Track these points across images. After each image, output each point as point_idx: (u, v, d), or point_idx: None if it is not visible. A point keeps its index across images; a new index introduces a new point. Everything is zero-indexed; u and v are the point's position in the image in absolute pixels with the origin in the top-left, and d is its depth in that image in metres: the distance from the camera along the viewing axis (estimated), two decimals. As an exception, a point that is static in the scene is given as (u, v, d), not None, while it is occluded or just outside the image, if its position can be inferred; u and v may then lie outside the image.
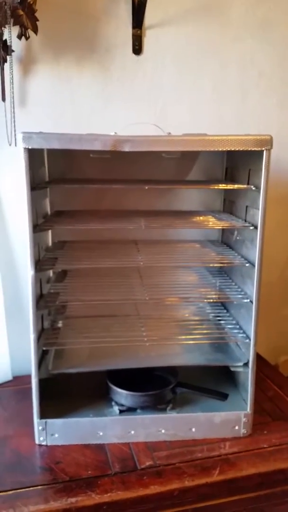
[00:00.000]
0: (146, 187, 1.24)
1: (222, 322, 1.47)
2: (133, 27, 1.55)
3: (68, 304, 1.46)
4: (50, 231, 1.56)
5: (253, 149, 1.12)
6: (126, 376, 1.32)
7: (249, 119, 1.68)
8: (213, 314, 1.54)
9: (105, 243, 1.54)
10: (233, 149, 1.11)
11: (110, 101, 1.58)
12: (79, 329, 1.41)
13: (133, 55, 1.57)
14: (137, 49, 1.57)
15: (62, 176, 1.53)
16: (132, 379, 1.34)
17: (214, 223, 1.36)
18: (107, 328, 1.42)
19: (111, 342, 1.28)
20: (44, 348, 1.25)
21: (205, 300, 1.50)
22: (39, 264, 1.23)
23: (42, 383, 1.25)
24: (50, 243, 1.57)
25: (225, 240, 1.60)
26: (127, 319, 1.49)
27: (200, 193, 1.62)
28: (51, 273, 1.53)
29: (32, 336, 1.19)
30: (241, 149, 1.12)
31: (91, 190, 1.56)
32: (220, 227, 1.51)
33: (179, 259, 1.38)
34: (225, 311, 1.54)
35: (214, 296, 1.41)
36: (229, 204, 1.55)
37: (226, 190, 1.59)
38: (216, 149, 1.10)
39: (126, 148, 1.09)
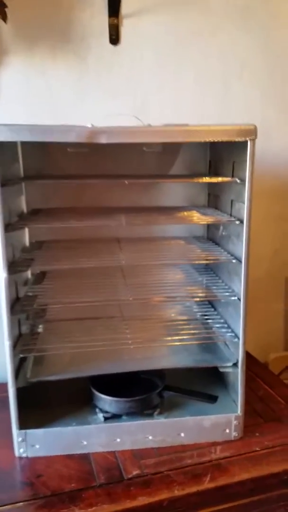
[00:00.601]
0: (127, 182, 1.18)
1: (209, 321, 1.42)
2: (109, 16, 1.48)
3: (48, 307, 1.38)
4: (27, 231, 1.48)
5: (236, 139, 1.06)
6: (111, 380, 1.26)
7: (233, 111, 1.63)
8: (200, 313, 1.48)
9: (86, 242, 1.47)
10: (216, 140, 1.06)
11: (86, 93, 1.51)
12: (60, 334, 1.34)
13: (110, 45, 1.50)
14: (114, 39, 1.50)
15: (38, 173, 1.45)
16: (116, 383, 1.27)
17: (198, 218, 1.30)
18: (90, 331, 1.35)
19: (93, 346, 1.21)
20: (21, 356, 1.17)
21: (191, 299, 1.44)
22: (13, 266, 1.16)
23: (20, 391, 1.17)
24: (27, 243, 1.49)
25: (211, 236, 1.55)
26: (111, 321, 1.43)
27: (184, 188, 1.57)
28: (29, 274, 1.46)
29: (7, 343, 1.11)
30: (224, 139, 1.06)
31: (70, 187, 1.49)
32: (204, 223, 1.45)
33: (163, 257, 1.32)
34: (212, 309, 1.48)
35: (200, 294, 1.35)
36: (214, 199, 1.49)
37: (210, 184, 1.54)
38: (198, 140, 1.05)
39: (103, 140, 1.03)
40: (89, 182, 1.44)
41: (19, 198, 1.42)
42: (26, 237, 1.49)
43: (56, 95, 1.49)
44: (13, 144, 1.37)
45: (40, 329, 1.40)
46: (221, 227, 1.38)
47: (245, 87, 1.62)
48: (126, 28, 1.50)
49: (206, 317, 1.45)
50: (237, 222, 1.20)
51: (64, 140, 1.02)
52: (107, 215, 1.33)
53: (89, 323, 1.42)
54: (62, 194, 1.49)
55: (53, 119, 1.47)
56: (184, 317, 1.48)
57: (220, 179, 1.30)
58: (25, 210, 1.47)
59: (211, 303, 1.51)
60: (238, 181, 1.16)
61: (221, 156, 1.39)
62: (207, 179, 1.38)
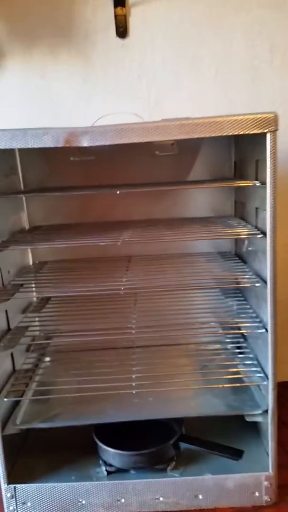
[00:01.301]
0: (118, 191, 0.98)
1: (239, 355, 1.18)
2: (115, 5, 1.31)
3: (51, 335, 1.22)
4: (29, 251, 1.33)
5: (252, 132, 0.84)
6: (118, 426, 1.06)
7: (263, 103, 1.39)
8: (228, 344, 1.24)
9: (93, 262, 1.30)
10: (224, 134, 0.84)
11: (93, 95, 1.34)
12: (59, 370, 1.17)
13: (118, 38, 1.33)
14: (122, 31, 1.32)
15: (40, 185, 1.30)
16: (125, 428, 1.07)
17: (211, 233, 1.08)
18: (95, 365, 1.16)
19: (99, 389, 1.02)
20: (4, 399, 1.01)
21: (208, 333, 1.22)
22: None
23: (10, 438, 1.01)
24: (30, 263, 1.34)
25: (239, 251, 1.31)
26: (121, 353, 1.23)
27: (206, 196, 1.35)
28: (34, 298, 1.31)
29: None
30: (235, 133, 0.84)
31: (74, 200, 1.32)
32: (213, 238, 1.21)
33: (176, 279, 1.11)
34: (242, 339, 1.24)
35: (219, 327, 1.13)
36: (240, 207, 1.26)
37: (237, 191, 1.30)
38: (199, 136, 0.84)
39: (85, 143, 0.85)
40: (95, 192, 1.26)
41: (18, 214, 1.28)
42: (29, 257, 1.35)
43: (58, 99, 1.34)
44: (10, 154, 1.24)
45: (40, 362, 1.23)
46: (246, 242, 1.15)
47: (277, 73, 1.37)
48: (134, 18, 1.32)
49: (235, 349, 1.21)
50: (260, 236, 0.96)
51: (39, 145, 0.85)
52: (114, 230, 1.14)
53: (97, 355, 1.23)
54: (66, 209, 1.33)
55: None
56: (208, 350, 1.25)
57: (237, 183, 1.07)
58: (26, 226, 1.33)
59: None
60: (258, 183, 0.94)
61: (245, 155, 1.17)
62: (216, 185, 1.16)
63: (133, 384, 1.02)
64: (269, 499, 1.01)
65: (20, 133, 0.85)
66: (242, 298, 1.22)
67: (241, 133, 0.84)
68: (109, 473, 1.06)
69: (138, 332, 1.09)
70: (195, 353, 1.21)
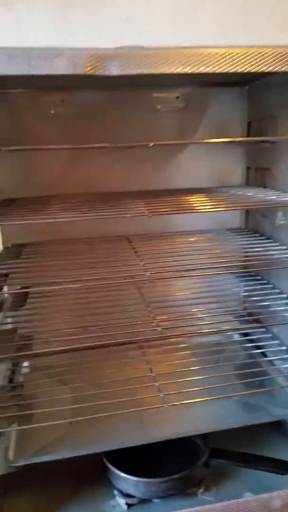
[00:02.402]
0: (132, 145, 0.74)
1: (260, 349, 1.01)
2: None
3: (35, 341, 0.96)
4: (-1, 231, 1.04)
5: (268, 69, 0.64)
6: (133, 447, 0.84)
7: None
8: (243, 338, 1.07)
9: (84, 243, 1.04)
10: (226, 70, 0.63)
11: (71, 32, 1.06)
12: (51, 382, 0.91)
13: None
14: None
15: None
16: (141, 451, 0.86)
17: (241, 203, 0.88)
18: (97, 374, 0.93)
19: (102, 409, 0.78)
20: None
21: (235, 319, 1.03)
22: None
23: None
24: (1, 247, 1.06)
25: (253, 226, 1.13)
26: (127, 356, 1.00)
27: (212, 162, 1.14)
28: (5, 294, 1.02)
29: None
30: (242, 70, 0.63)
31: (56, 165, 1.05)
32: (262, 206, 1.00)
33: (192, 262, 0.89)
34: (263, 330, 1.07)
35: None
36: (260, 175, 1.07)
37: (251, 156, 1.12)
38: (187, 71, 0.62)
39: (114, 70, 0.60)
40: (81, 149, 0.99)
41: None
42: (-2, 239, 1.06)
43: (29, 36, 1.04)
44: None
45: (22, 375, 0.97)
46: (279, 214, 0.96)
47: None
48: None
49: (255, 343, 1.04)
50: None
51: (49, 71, 0.58)
52: (114, 202, 0.90)
53: (95, 361, 0.99)
54: (46, 175, 1.06)
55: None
56: (223, 348, 1.07)
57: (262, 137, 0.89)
58: (-6, 200, 1.03)
59: (259, 321, 1.09)
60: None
61: (263, 110, 0.98)
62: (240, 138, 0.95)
63: (161, 396, 0.81)
64: None
65: (22, 53, 0.57)
66: (265, 281, 1.05)
67: (250, 70, 0.64)
68: (129, 506, 0.84)
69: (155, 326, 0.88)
70: (218, 349, 1.01)
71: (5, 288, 0.89)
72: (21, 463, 0.76)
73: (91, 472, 0.89)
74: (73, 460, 0.81)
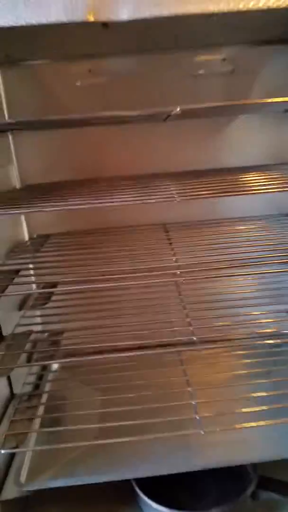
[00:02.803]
0: (177, 110, 0.59)
1: None
2: None
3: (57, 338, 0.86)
4: (24, 221, 0.95)
5: None
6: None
7: None
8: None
9: (115, 233, 0.92)
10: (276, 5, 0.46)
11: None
12: (76, 386, 0.81)
13: None
14: None
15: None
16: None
17: None
18: (127, 385, 0.81)
19: (132, 431, 0.67)
20: (1, 451, 0.65)
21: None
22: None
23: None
24: (26, 239, 0.97)
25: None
26: (162, 366, 0.87)
27: (267, 134, 0.96)
28: (33, 286, 0.93)
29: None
30: None
31: (83, 144, 0.93)
32: None
33: (238, 256, 0.74)
34: None
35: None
36: None
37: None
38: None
39: (123, 14, 0.46)
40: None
41: (3, 167, 0.89)
42: (23, 229, 0.97)
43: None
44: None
45: (46, 373, 0.88)
46: None
47: None
48: None
49: None
50: None
51: (41, 19, 0.46)
52: (142, 186, 0.76)
53: (123, 368, 0.87)
54: (74, 157, 0.94)
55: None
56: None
57: None
58: (17, 185, 0.94)
59: None
60: None
61: None
62: None
63: (197, 418, 0.67)
64: None
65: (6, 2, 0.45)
66: None
67: None
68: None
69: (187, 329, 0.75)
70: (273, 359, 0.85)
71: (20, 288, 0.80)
72: (32, 488, 0.67)
73: (121, 494, 0.79)
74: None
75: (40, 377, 0.90)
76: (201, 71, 0.89)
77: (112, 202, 0.65)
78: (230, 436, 0.74)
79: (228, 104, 0.71)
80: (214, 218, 0.98)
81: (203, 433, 0.66)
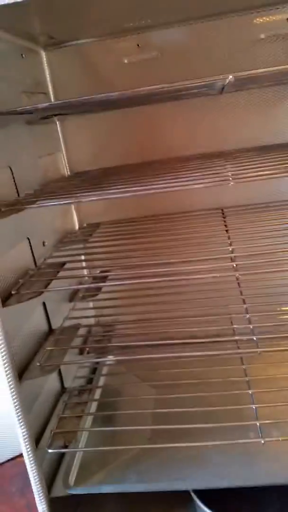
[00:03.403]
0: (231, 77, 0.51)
1: None
2: None
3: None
4: (73, 210, 0.92)
5: None
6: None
7: None
8: None
9: (166, 220, 0.86)
10: None
11: None
12: (131, 381, 0.78)
13: None
14: None
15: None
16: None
17: None
18: (183, 385, 0.76)
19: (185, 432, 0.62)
20: (49, 450, 0.63)
21: None
22: (20, 289, 0.60)
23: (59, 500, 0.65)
24: (76, 228, 0.94)
25: None
26: (222, 364, 0.80)
27: None
28: (84, 271, 0.90)
29: (21, 433, 0.58)
30: None
31: (134, 128, 0.88)
32: None
33: None
34: None
35: None
36: None
37: None
38: None
39: None
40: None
41: (52, 155, 0.86)
42: (73, 219, 0.94)
43: None
44: (33, 58, 0.80)
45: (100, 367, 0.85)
46: None
47: None
48: None
49: None
50: None
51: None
52: (198, 167, 0.69)
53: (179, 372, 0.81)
54: (122, 142, 0.89)
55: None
56: None
57: None
58: (66, 172, 0.91)
59: None
60: None
61: None
62: None
63: (257, 425, 0.61)
64: None
65: None
66: None
67: None
68: None
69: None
70: None
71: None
72: (80, 492, 0.64)
73: (177, 497, 0.74)
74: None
75: (93, 371, 0.87)
76: (262, 36, 0.79)
77: (152, 189, 0.58)
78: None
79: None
80: (279, 199, 0.89)
81: (263, 442, 0.59)
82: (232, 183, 0.51)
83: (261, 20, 0.79)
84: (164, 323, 0.80)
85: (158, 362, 0.81)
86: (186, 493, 0.69)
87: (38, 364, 0.62)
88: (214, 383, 0.72)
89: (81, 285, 0.85)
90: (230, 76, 0.50)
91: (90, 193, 0.62)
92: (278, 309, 0.73)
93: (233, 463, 0.67)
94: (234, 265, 0.58)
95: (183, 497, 0.71)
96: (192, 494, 0.68)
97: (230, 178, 0.52)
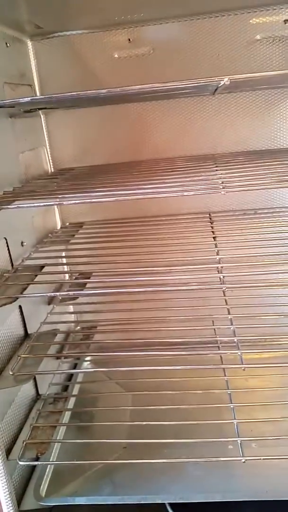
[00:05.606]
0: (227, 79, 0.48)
1: None
2: None
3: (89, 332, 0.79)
4: (56, 210, 0.89)
5: None
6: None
7: None
8: None
9: (152, 223, 0.84)
10: None
11: None
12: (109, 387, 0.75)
13: None
14: None
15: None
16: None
17: None
18: (162, 396, 0.73)
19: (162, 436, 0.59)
20: (19, 462, 0.60)
21: None
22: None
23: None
24: (58, 227, 0.90)
25: None
26: (204, 375, 0.78)
27: None
28: (66, 276, 0.87)
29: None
30: None
31: (123, 122, 0.84)
32: None
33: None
34: None
35: None
36: None
37: None
38: None
39: None
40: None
41: (35, 150, 0.82)
42: (56, 218, 0.90)
43: None
44: (18, 50, 0.76)
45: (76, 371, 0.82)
46: None
47: None
48: None
49: None
50: None
51: None
52: (203, 168, 0.67)
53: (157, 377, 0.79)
54: (110, 139, 0.86)
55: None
56: None
57: None
58: (50, 169, 0.87)
59: None
60: None
61: None
62: None
63: (238, 442, 0.58)
64: None
65: None
66: None
67: None
68: None
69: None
70: None
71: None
72: (52, 503, 0.61)
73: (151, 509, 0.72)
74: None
75: (69, 377, 0.84)
76: (258, 36, 0.77)
77: (139, 194, 0.55)
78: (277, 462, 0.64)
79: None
80: (269, 206, 0.87)
81: (243, 461, 0.57)
82: (223, 192, 0.49)
83: (257, 21, 0.77)
84: (145, 330, 0.77)
85: (138, 370, 0.78)
86: (161, 506, 0.67)
87: (11, 373, 0.58)
88: (195, 394, 0.70)
89: (58, 292, 0.82)
90: (226, 78, 0.47)
91: (72, 196, 0.58)
92: (263, 322, 0.71)
93: (211, 477, 0.65)
94: (221, 277, 0.55)
95: (158, 509, 0.69)
96: (168, 507, 0.66)
97: (221, 187, 0.49)
